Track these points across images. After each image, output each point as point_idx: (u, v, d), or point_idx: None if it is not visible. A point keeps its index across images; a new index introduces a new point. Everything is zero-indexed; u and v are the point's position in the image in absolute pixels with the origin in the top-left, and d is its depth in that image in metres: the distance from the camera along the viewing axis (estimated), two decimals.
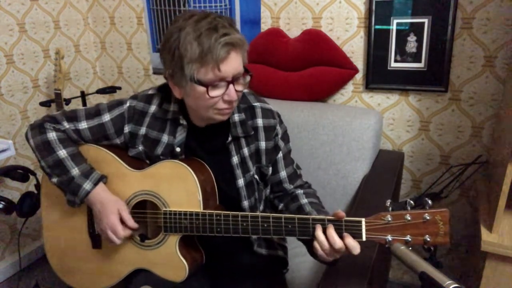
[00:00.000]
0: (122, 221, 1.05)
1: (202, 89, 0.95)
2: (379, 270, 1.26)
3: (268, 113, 1.14)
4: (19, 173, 1.74)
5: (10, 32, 1.98)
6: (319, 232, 0.90)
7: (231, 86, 0.96)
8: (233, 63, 0.95)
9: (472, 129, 1.60)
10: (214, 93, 0.96)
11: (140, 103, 1.12)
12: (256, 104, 1.14)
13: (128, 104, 1.12)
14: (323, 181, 1.58)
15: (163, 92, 1.12)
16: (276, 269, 1.24)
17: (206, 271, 1.17)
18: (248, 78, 1.02)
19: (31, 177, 1.76)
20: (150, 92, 1.14)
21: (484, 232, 1.22)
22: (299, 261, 1.40)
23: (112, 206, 1.05)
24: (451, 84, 1.58)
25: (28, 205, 1.71)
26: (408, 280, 1.90)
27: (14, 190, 2.08)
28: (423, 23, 1.54)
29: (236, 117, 1.10)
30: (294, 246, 1.40)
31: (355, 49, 1.70)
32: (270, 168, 1.16)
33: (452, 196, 1.67)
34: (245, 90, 1.16)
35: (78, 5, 2.28)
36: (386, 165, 1.58)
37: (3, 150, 1.53)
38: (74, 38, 2.29)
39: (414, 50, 1.58)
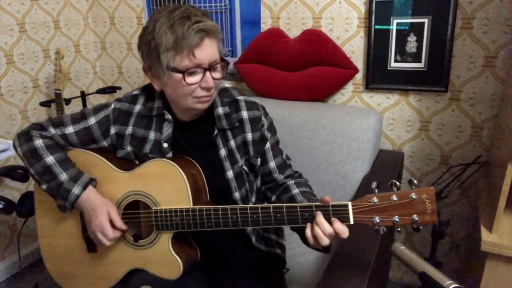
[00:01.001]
0: (112, 223, 1.06)
1: (178, 76, 0.98)
2: (379, 270, 1.26)
3: (252, 105, 1.16)
4: (19, 173, 1.74)
5: (10, 32, 1.98)
6: (307, 230, 0.92)
7: (207, 73, 0.99)
8: (208, 50, 0.97)
9: (472, 129, 1.60)
10: (191, 80, 0.98)
11: (125, 104, 1.14)
12: (240, 97, 1.15)
13: (112, 106, 1.14)
14: (323, 181, 1.58)
15: (147, 91, 1.15)
16: (274, 267, 1.24)
17: (203, 269, 1.17)
18: (224, 67, 1.04)
19: None
20: (134, 92, 1.16)
21: (484, 232, 1.22)
22: (299, 261, 1.40)
23: (101, 207, 1.06)
24: (451, 84, 1.58)
25: (28, 205, 1.71)
26: (408, 280, 1.90)
27: (14, 190, 2.08)
28: (423, 23, 1.54)
29: (220, 110, 1.12)
30: (294, 246, 1.41)
31: (355, 49, 1.70)
32: (259, 159, 1.17)
33: (452, 196, 1.67)
34: (229, 85, 1.19)
35: (78, 5, 2.28)
36: (386, 165, 1.58)
37: (3, 150, 1.53)
38: (74, 38, 2.29)
39: (414, 50, 1.58)
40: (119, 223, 1.06)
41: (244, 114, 1.14)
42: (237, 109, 1.14)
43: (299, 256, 1.41)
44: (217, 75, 1.02)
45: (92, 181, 1.10)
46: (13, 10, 1.98)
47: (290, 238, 1.32)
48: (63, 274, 1.20)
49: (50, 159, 1.09)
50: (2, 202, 1.67)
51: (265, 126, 1.17)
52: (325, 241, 0.90)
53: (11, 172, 1.72)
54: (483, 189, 1.47)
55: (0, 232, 2.06)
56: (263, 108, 1.19)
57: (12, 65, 2.01)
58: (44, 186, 1.10)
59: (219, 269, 1.19)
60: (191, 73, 0.98)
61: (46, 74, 2.17)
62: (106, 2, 2.24)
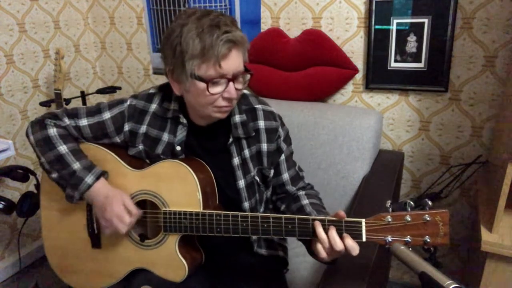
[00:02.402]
0: (127, 210, 1.05)
1: (202, 85, 0.96)
2: (379, 270, 1.26)
3: (269, 116, 1.14)
4: (19, 173, 1.74)
5: (10, 32, 1.98)
6: (320, 230, 0.90)
7: (231, 83, 0.97)
8: (234, 61, 0.96)
9: (472, 129, 1.60)
10: (214, 90, 0.97)
11: (141, 101, 1.13)
12: (258, 106, 1.14)
13: (128, 103, 1.13)
14: (323, 181, 1.58)
15: (164, 91, 1.13)
16: (276, 269, 1.24)
17: (206, 272, 1.17)
18: (248, 76, 1.02)
19: (31, 177, 1.76)
20: (151, 91, 1.15)
21: (484, 232, 1.22)
22: (299, 261, 1.40)
23: (115, 196, 1.05)
24: (451, 84, 1.58)
25: (28, 205, 1.71)
26: (408, 280, 1.90)
27: (14, 190, 2.08)
28: (423, 23, 1.54)
29: (237, 118, 1.11)
30: (294, 246, 1.40)
31: (355, 49, 1.70)
32: (272, 171, 1.16)
33: (452, 196, 1.67)
34: (247, 92, 1.17)
35: (78, 5, 2.28)
36: (386, 165, 1.58)
37: (3, 150, 1.53)
38: (74, 38, 2.29)
39: (414, 50, 1.58)
40: (135, 210, 1.05)
41: (261, 124, 1.12)
42: (254, 118, 1.13)
43: (299, 256, 1.41)
44: (240, 85, 1.01)
45: (104, 173, 1.09)
46: (13, 10, 1.98)
47: (291, 238, 1.32)
48: (65, 269, 1.20)
49: (63, 148, 1.09)
50: (2, 202, 1.67)
51: (282, 138, 1.16)
52: (333, 256, 0.90)
53: (11, 172, 1.72)
54: (483, 189, 1.47)
55: (0, 232, 2.06)
56: (280, 118, 1.18)
57: (12, 65, 2.01)
58: (54, 175, 1.09)
59: (222, 272, 1.18)
60: (215, 83, 0.96)
61: (46, 74, 2.17)
62: (106, 2, 2.24)
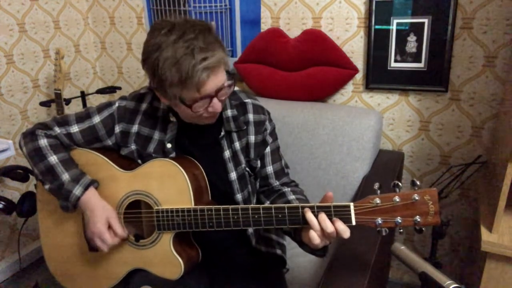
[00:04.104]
0: (112, 229, 1.06)
1: (185, 107, 0.98)
2: (379, 270, 1.26)
3: (258, 109, 1.18)
4: (19, 173, 1.74)
5: (10, 32, 1.98)
6: (310, 215, 0.90)
7: (214, 99, 0.98)
8: (214, 82, 0.95)
9: (472, 129, 1.60)
10: (198, 108, 0.98)
11: (132, 102, 1.14)
12: (247, 100, 1.17)
13: (117, 105, 1.14)
14: (323, 181, 1.58)
15: None
16: (274, 268, 1.25)
17: (204, 269, 1.17)
18: (231, 86, 1.01)
19: (31, 177, 1.76)
20: (142, 91, 1.16)
21: (484, 232, 1.22)
22: (299, 261, 1.40)
23: (100, 213, 1.06)
24: (451, 84, 1.58)
25: (28, 205, 1.71)
26: (408, 280, 1.90)
27: (14, 190, 2.08)
28: (423, 23, 1.54)
29: (229, 113, 1.13)
30: (294, 246, 1.39)
31: (355, 49, 1.70)
32: (259, 162, 1.18)
33: (452, 196, 1.67)
34: (236, 89, 1.19)
35: (78, 5, 2.28)
36: (386, 165, 1.58)
37: (3, 150, 1.53)
38: (74, 38, 2.29)
39: (414, 50, 1.58)
40: (120, 230, 1.06)
41: (251, 117, 1.15)
42: (244, 111, 1.15)
43: (299, 256, 1.41)
44: (224, 96, 1.01)
45: (94, 183, 1.10)
46: (13, 10, 1.98)
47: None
48: (65, 274, 1.20)
49: (53, 158, 1.09)
50: (2, 202, 1.67)
51: (268, 131, 1.18)
52: (326, 241, 0.90)
53: (11, 172, 1.72)
54: (483, 189, 1.47)
55: (0, 232, 2.06)
56: (269, 113, 1.21)
57: (12, 65, 2.01)
58: (47, 186, 1.10)
59: (220, 270, 1.19)
60: (198, 102, 0.97)
61: (46, 74, 2.17)
62: (106, 2, 2.24)
